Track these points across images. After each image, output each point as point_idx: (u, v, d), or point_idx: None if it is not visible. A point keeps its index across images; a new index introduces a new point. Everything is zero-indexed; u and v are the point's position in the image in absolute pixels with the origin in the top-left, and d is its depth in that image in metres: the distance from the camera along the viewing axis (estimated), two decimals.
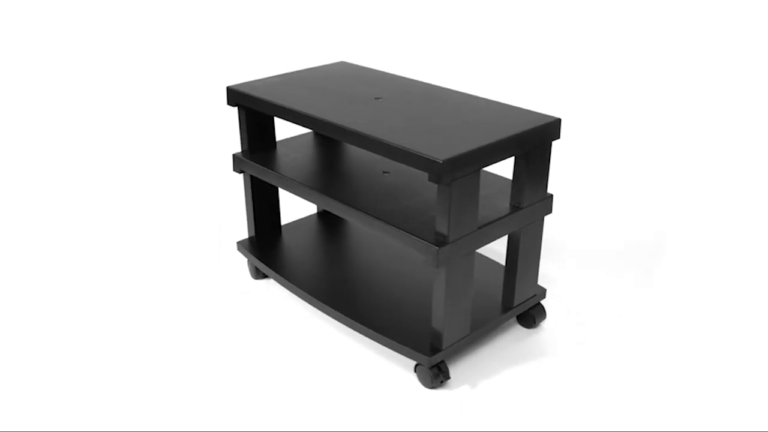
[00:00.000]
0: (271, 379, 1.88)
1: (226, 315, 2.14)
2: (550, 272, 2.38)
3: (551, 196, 1.92)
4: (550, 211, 1.94)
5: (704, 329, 2.09)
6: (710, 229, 2.65)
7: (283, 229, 2.41)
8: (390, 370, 1.92)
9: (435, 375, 1.82)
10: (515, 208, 1.85)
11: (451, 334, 1.82)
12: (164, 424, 1.72)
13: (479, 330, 1.91)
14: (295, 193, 2.04)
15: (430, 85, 2.12)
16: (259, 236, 2.33)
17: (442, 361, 1.84)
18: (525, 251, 1.92)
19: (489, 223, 1.77)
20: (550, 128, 1.82)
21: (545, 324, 2.11)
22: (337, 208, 1.92)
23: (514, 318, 2.12)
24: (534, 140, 1.78)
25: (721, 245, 2.54)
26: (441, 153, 1.61)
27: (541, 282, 2.32)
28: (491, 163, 1.71)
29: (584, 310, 2.19)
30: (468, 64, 4.05)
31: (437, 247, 1.66)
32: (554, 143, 3.36)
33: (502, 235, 1.82)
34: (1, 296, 2.22)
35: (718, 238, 2.58)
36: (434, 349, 1.82)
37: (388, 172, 2.08)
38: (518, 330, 2.09)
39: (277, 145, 2.26)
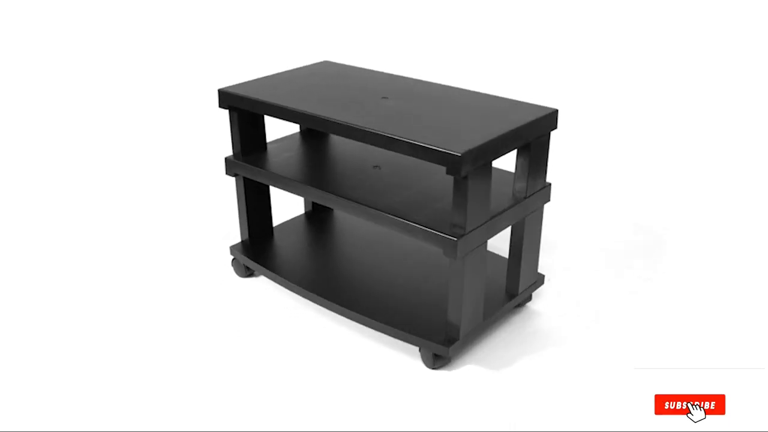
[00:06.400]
0: (268, 372, 1.88)
1: (220, 313, 2.14)
2: (550, 266, 2.37)
3: (549, 184, 1.98)
4: (549, 200, 2.00)
5: (704, 322, 2.09)
6: (711, 223, 2.65)
7: (274, 230, 2.40)
8: (384, 358, 1.94)
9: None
10: (519, 198, 1.90)
11: (467, 324, 1.87)
12: (160, 420, 1.72)
13: (489, 318, 1.96)
14: (294, 192, 2.05)
15: (426, 81, 2.15)
16: (252, 239, 2.32)
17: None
18: (528, 240, 1.98)
19: (498, 214, 1.82)
20: (550, 119, 1.88)
21: (545, 317, 2.11)
22: (339, 204, 1.93)
23: (513, 311, 2.15)
24: (535, 131, 1.84)
25: (721, 239, 2.54)
26: (458, 147, 1.65)
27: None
28: (500, 156, 1.76)
29: (584, 302, 2.18)
30: (451, 60, 4.05)
31: (455, 239, 1.70)
32: (557, 139, 3.28)
33: (509, 225, 1.88)
34: None
35: (719, 232, 2.59)
36: (450, 340, 1.86)
37: (379, 167, 2.09)
38: (518, 323, 2.09)
39: (268, 147, 2.26)
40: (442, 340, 1.86)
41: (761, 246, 2.49)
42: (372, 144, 1.80)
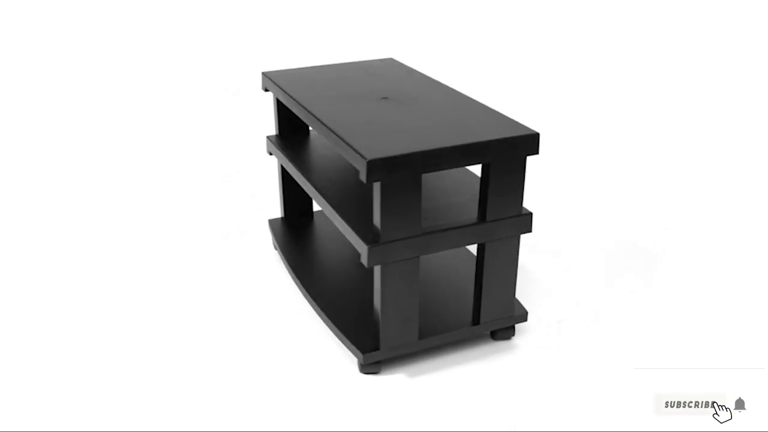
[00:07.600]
0: (257, 365, 1.92)
1: (231, 296, 2.21)
2: (550, 267, 2.35)
3: (529, 214, 1.82)
4: (528, 230, 1.84)
5: (704, 322, 2.08)
6: (711, 223, 2.64)
7: (315, 213, 2.50)
8: (336, 358, 1.93)
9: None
10: (479, 220, 1.79)
11: (393, 336, 1.81)
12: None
13: (436, 337, 1.87)
14: (292, 174, 2.13)
15: (447, 87, 2.09)
16: (288, 217, 2.44)
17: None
18: (491, 269, 1.84)
19: (439, 231, 1.73)
20: (522, 142, 1.72)
21: (540, 325, 2.06)
22: (314, 198, 1.98)
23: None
24: (496, 152, 1.71)
25: (721, 240, 2.53)
26: (371, 153, 1.61)
27: (538, 281, 2.25)
28: (438, 169, 1.66)
29: (584, 302, 2.17)
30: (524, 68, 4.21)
31: (367, 246, 1.67)
32: (558, 139, 3.32)
33: (458, 246, 1.77)
34: (23, 290, 2.25)
35: (719, 232, 2.58)
36: (372, 349, 1.82)
37: None
38: (507, 343, 2.00)
39: (311, 132, 2.35)
40: (367, 348, 1.83)
41: (761, 246, 2.50)
42: (325, 138, 1.82)
